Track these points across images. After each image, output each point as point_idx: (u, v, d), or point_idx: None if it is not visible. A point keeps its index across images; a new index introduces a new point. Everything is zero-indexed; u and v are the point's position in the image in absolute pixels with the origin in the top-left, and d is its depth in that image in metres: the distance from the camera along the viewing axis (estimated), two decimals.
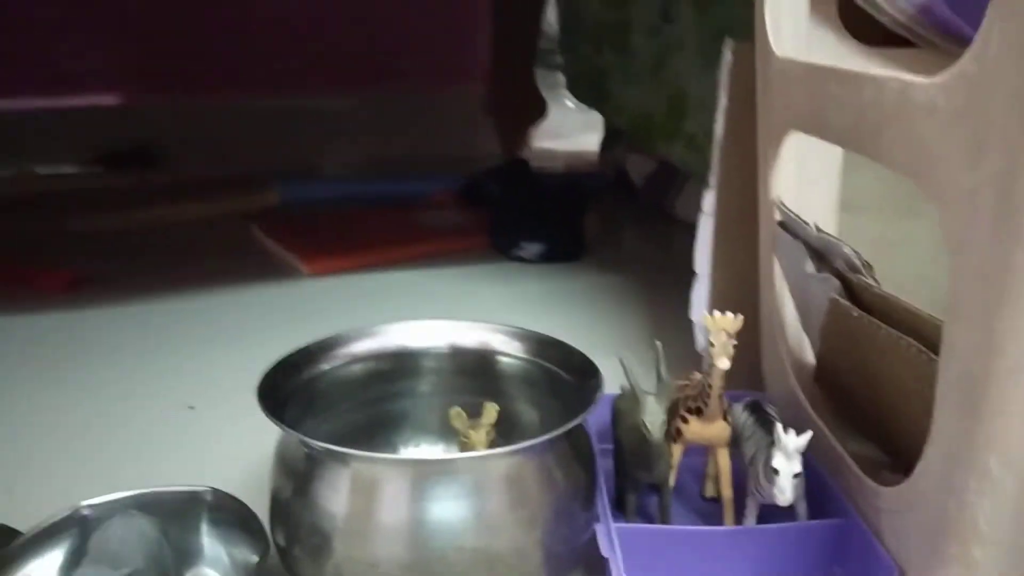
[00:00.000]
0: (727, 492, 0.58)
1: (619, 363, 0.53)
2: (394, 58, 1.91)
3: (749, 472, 0.56)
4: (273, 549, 0.53)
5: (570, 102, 2.30)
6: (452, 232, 1.39)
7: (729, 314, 0.51)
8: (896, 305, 0.48)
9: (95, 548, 0.47)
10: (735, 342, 0.51)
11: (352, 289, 1.16)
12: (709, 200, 0.75)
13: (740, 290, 0.73)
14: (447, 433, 0.61)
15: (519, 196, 1.40)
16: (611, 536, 0.52)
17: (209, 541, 0.55)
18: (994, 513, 0.41)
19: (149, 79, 1.74)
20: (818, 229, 0.57)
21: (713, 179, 0.74)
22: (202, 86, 1.76)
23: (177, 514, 0.55)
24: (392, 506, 0.47)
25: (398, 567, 0.47)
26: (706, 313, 0.52)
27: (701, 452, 0.62)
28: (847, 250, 0.53)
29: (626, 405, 0.58)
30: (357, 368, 0.61)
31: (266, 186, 1.54)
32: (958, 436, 0.42)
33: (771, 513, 0.56)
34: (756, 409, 0.59)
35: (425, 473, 0.48)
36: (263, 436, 0.71)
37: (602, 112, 1.57)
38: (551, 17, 2.14)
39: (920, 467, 0.45)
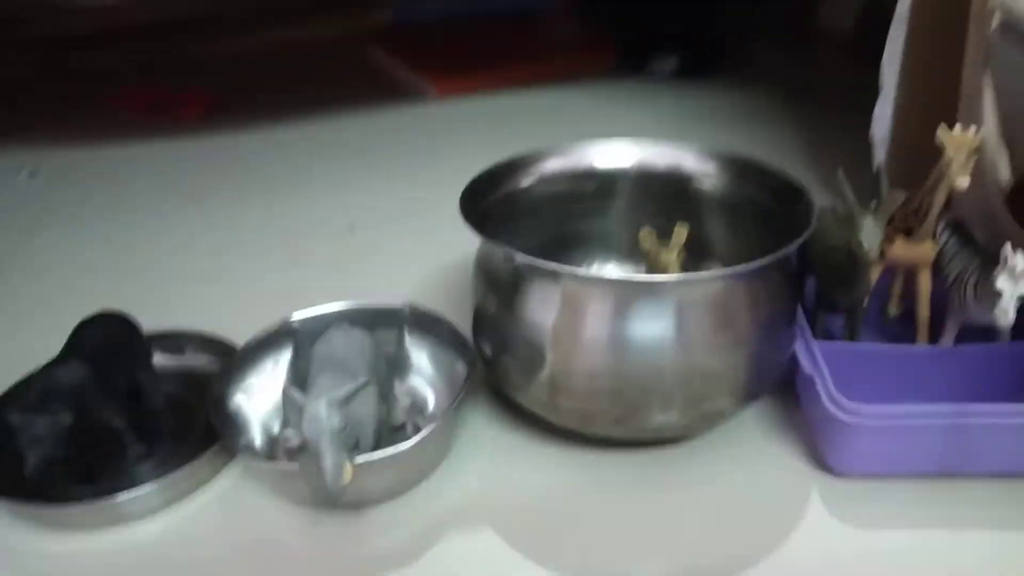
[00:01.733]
0: (925, 312, 0.57)
1: (838, 178, 0.51)
2: None
3: (952, 292, 0.55)
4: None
5: None
6: (576, 48, 1.33)
7: (970, 130, 0.48)
8: None
9: (320, 357, 0.50)
10: (975, 158, 0.48)
11: (480, 111, 1.13)
12: (904, 4, 0.68)
13: (929, 105, 0.68)
14: (635, 254, 0.60)
15: (645, 5, 1.30)
16: (815, 354, 0.52)
17: (415, 352, 0.58)
18: None
19: None
20: None
21: None
22: None
23: (382, 327, 0.57)
24: (602, 321, 0.48)
25: (610, 378, 0.49)
26: (943, 129, 0.48)
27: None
28: None
29: (824, 224, 0.56)
30: (546, 187, 0.60)
31: (378, 3, 1.49)
32: None
33: (965, 335, 0.55)
34: (957, 229, 0.57)
35: (634, 292, 0.48)
36: (426, 252, 0.74)
37: None
38: None
39: None
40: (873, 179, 0.74)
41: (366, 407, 0.46)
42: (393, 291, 0.65)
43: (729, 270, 0.47)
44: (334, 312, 0.57)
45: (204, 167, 1.00)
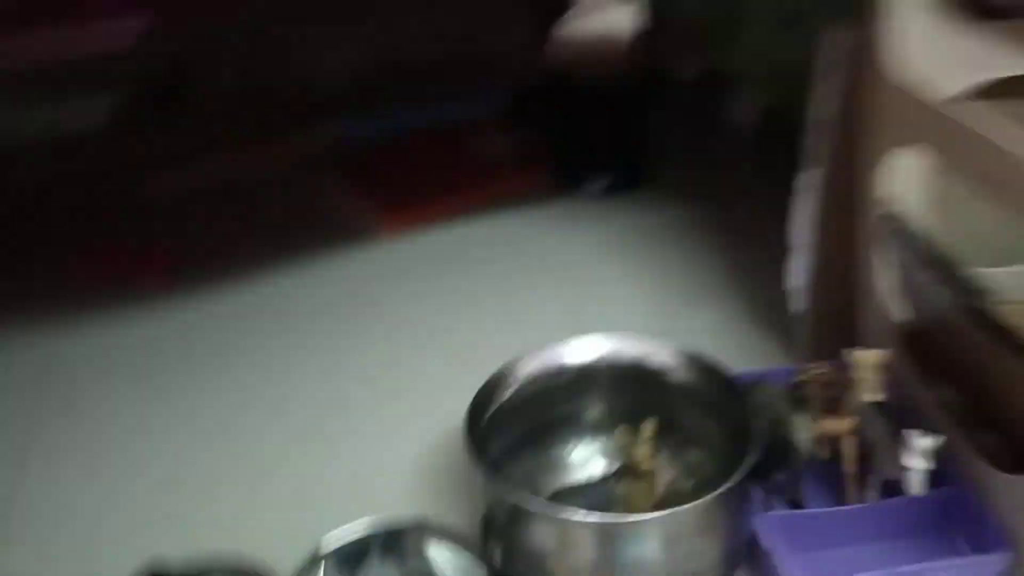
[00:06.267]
0: (851, 469, 0.68)
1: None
2: None
3: (874, 452, 0.66)
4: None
5: None
6: (509, 167, 1.40)
7: (874, 351, 0.59)
8: (1013, 335, 0.56)
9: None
10: (881, 376, 0.59)
11: (426, 248, 1.20)
12: (808, 177, 0.80)
13: (837, 263, 0.80)
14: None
15: (570, 122, 1.39)
16: (770, 533, 0.62)
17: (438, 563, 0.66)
18: None
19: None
20: (930, 245, 0.64)
21: (812, 159, 0.79)
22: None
23: (407, 540, 0.65)
24: (589, 550, 0.58)
25: None
26: (852, 352, 0.59)
27: None
28: (964, 272, 0.60)
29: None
30: (527, 388, 0.70)
31: (315, 126, 1.54)
32: None
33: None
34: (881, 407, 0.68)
35: (616, 529, 0.58)
36: (412, 430, 0.82)
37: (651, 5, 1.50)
38: None
39: None
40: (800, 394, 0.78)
41: None
42: (384, 488, 0.73)
43: (697, 504, 0.57)
44: (360, 537, 0.65)
45: (163, 348, 1.01)
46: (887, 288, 0.73)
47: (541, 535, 0.59)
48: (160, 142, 1.53)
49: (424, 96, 1.62)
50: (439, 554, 0.66)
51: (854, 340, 0.79)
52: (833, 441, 0.68)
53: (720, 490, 0.57)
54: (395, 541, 0.64)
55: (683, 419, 0.70)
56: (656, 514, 0.58)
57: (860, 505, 0.67)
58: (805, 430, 0.61)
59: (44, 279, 1.17)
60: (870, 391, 0.60)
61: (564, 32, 1.74)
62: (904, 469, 0.61)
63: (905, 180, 0.71)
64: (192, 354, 1.01)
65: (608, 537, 0.57)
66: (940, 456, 0.63)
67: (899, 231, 0.68)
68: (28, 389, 0.96)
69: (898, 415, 0.65)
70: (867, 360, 0.60)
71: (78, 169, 1.45)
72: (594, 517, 0.57)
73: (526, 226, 1.24)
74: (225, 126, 1.58)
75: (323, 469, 0.81)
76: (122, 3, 1.47)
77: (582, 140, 1.34)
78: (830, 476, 0.68)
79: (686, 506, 0.57)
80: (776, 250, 0.87)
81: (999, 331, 0.59)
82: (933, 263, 0.65)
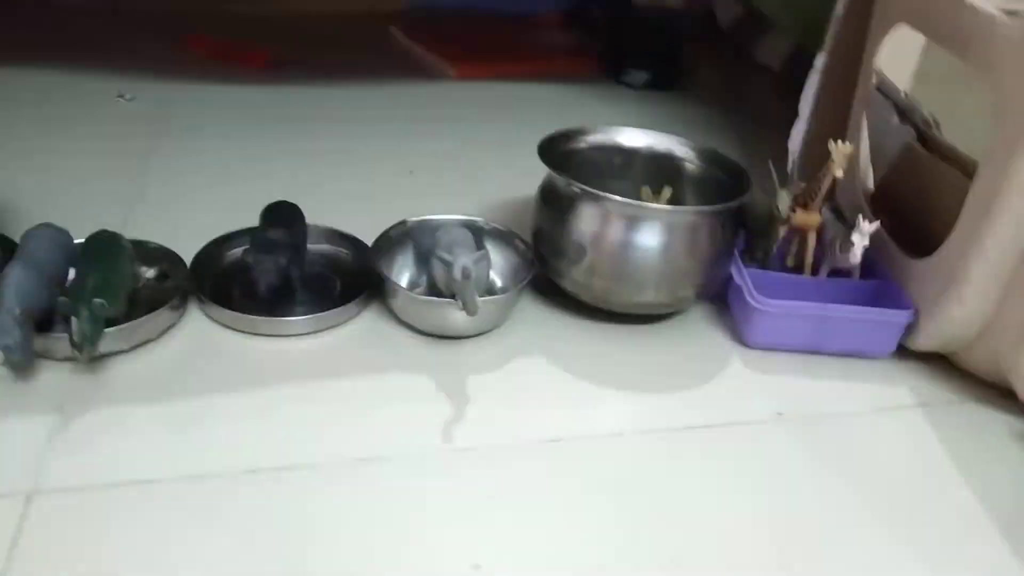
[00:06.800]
0: (810, 259, 0.90)
1: (769, 167, 0.84)
2: None
3: (828, 246, 0.88)
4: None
5: None
6: (564, 52, 1.63)
7: (848, 144, 0.81)
8: (950, 149, 0.78)
9: (447, 239, 0.79)
10: (850, 159, 0.81)
11: (491, 93, 1.42)
12: (820, 60, 1.02)
13: (829, 130, 1.02)
14: None
15: (623, 26, 1.61)
16: (743, 272, 0.84)
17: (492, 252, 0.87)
18: (982, 271, 0.73)
19: None
20: (906, 95, 0.86)
21: (827, 45, 1.01)
22: None
23: (468, 231, 0.86)
24: (624, 230, 0.79)
25: (626, 267, 0.80)
26: (831, 141, 0.81)
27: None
28: (924, 112, 0.82)
29: (755, 199, 0.88)
30: (587, 152, 0.90)
31: None
32: (973, 227, 0.73)
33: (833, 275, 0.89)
34: (835, 210, 0.90)
35: (644, 213, 0.79)
36: (474, 191, 1.03)
37: None
38: None
39: (946, 244, 0.77)
40: (786, 174, 1.07)
41: (483, 270, 0.76)
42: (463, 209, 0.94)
43: (698, 207, 0.78)
44: (438, 219, 0.86)
45: (275, 109, 1.26)
46: (865, 142, 0.95)
47: (583, 218, 0.79)
48: None
49: None
50: (493, 247, 0.87)
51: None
52: (801, 233, 0.90)
53: (714, 207, 0.79)
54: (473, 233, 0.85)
55: (694, 192, 0.91)
56: (667, 207, 0.79)
57: (809, 277, 0.89)
58: (784, 201, 0.83)
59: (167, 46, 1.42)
60: (839, 168, 0.81)
61: None
62: (851, 245, 0.82)
63: (895, 60, 0.93)
64: (284, 116, 1.24)
65: (632, 220, 0.78)
66: (874, 248, 0.85)
67: (880, 86, 0.90)
68: (151, 122, 1.19)
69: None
70: (842, 149, 0.81)
71: None
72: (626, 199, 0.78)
73: (573, 97, 1.45)
74: None
75: (414, 186, 1.07)
76: None
77: (629, 41, 1.55)
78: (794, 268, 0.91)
79: (686, 207, 0.78)
80: (779, 141, 1.08)
81: (941, 149, 0.81)
82: (900, 107, 0.87)
